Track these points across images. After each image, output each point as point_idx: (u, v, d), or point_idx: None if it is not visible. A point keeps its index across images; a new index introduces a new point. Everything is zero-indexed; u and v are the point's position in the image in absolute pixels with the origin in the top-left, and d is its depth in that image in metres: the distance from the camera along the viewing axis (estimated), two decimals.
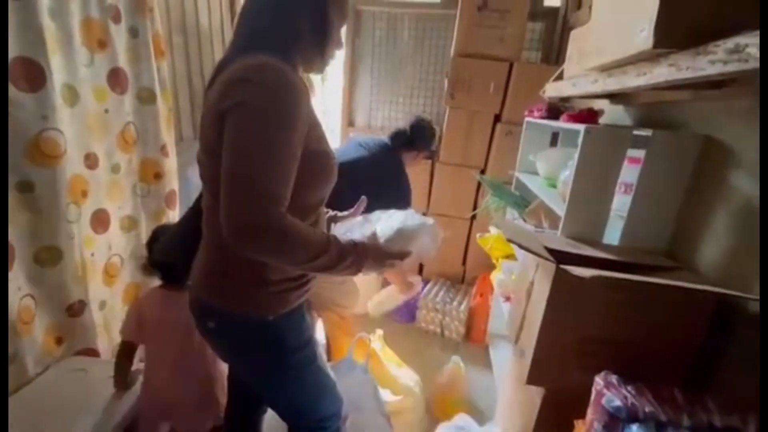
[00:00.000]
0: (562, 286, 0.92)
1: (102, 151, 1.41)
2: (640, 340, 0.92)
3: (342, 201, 0.98)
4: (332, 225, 0.99)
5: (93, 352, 1.39)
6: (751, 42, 0.58)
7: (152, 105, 1.55)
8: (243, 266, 0.78)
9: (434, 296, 2.35)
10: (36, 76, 1.12)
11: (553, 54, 2.43)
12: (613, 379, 0.79)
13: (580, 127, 1.10)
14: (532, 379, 1.02)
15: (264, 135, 0.65)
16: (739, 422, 0.70)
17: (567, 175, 1.25)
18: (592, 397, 0.80)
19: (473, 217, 2.46)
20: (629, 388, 0.76)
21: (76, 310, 1.32)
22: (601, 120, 1.44)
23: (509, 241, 0.97)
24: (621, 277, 0.84)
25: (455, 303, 2.30)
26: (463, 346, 2.23)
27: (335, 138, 2.83)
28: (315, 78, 2.42)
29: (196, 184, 0.87)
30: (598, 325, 0.93)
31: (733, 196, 0.93)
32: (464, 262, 2.60)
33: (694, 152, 1.04)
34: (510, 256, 1.86)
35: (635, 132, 1.10)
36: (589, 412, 0.81)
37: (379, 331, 1.73)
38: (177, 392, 1.15)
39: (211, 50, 1.93)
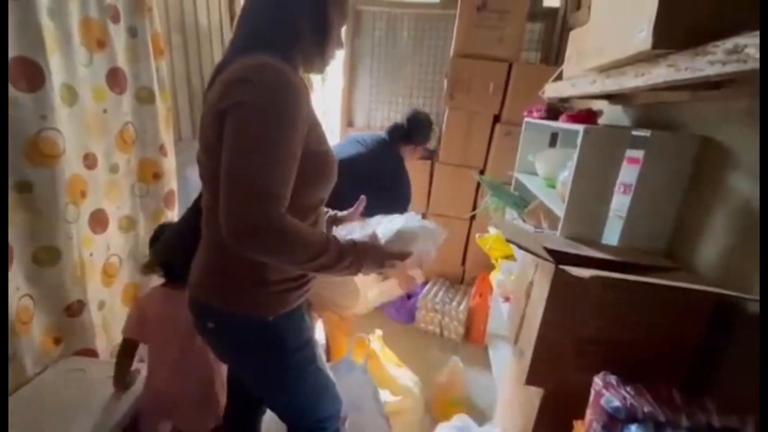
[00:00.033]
0: (561, 286, 0.92)
1: (101, 151, 1.41)
2: (638, 341, 0.92)
3: (341, 199, 0.98)
4: (333, 227, 0.99)
5: (91, 353, 1.38)
6: (750, 42, 0.58)
7: (151, 105, 1.55)
8: (242, 266, 0.78)
9: (433, 296, 2.35)
10: (35, 76, 1.12)
11: (553, 54, 2.43)
12: (612, 379, 0.79)
13: (579, 128, 1.10)
14: (532, 379, 1.02)
15: (264, 135, 0.65)
16: (738, 422, 0.70)
17: (566, 175, 1.25)
18: (591, 397, 0.80)
19: (472, 217, 2.46)
20: (628, 388, 0.76)
21: (74, 310, 1.32)
22: (600, 120, 1.44)
23: (508, 241, 0.97)
24: (620, 278, 0.84)
25: (454, 303, 2.30)
26: (462, 347, 2.23)
27: (335, 138, 2.83)
28: (315, 78, 2.41)
29: (195, 184, 0.87)
30: (597, 325, 0.93)
31: (732, 197, 0.93)
32: (463, 263, 2.60)
33: (693, 153, 1.04)
34: (509, 257, 1.86)
35: (634, 132, 1.11)
36: (588, 413, 0.81)
37: (379, 332, 1.73)
38: (178, 391, 1.15)
39: (210, 50, 1.93)
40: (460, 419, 1.38)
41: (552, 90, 1.59)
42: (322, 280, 0.91)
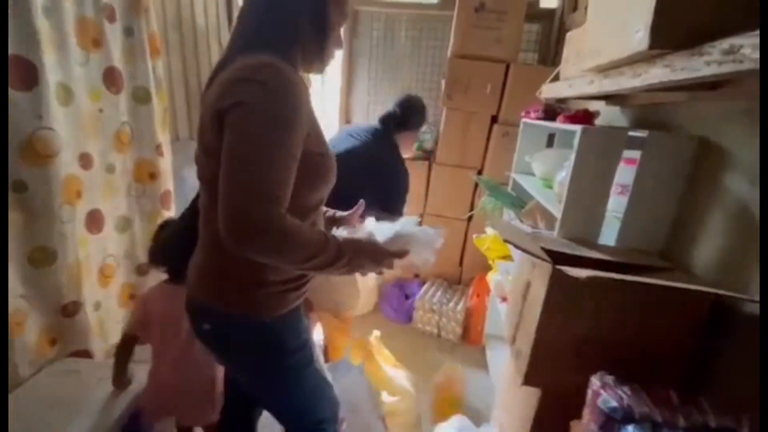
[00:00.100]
0: (558, 286, 0.92)
1: (97, 151, 1.40)
2: (635, 341, 0.92)
3: (338, 195, 0.96)
4: (333, 228, 0.98)
5: (87, 354, 1.38)
6: (746, 43, 0.58)
7: (147, 104, 1.55)
8: (240, 267, 0.77)
9: (431, 297, 2.35)
10: (30, 75, 1.12)
11: (550, 55, 2.44)
12: (609, 379, 0.79)
13: (577, 128, 1.10)
14: (529, 379, 1.02)
15: (264, 135, 0.65)
16: (734, 423, 0.70)
17: (563, 175, 1.25)
18: (588, 397, 0.80)
19: (470, 218, 2.46)
20: (625, 388, 0.76)
21: (70, 311, 1.31)
22: (597, 121, 1.44)
23: (506, 241, 0.96)
24: (617, 278, 0.84)
25: (452, 304, 2.30)
26: (459, 347, 2.23)
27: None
28: (315, 78, 2.41)
29: (192, 185, 0.87)
30: (594, 325, 0.93)
31: (728, 198, 0.94)
32: (461, 263, 2.60)
33: (690, 153, 1.05)
34: (506, 257, 1.86)
35: (631, 133, 1.11)
36: (585, 413, 0.81)
37: (376, 332, 1.72)
38: (182, 386, 1.15)
39: (207, 49, 1.92)
40: (458, 420, 1.38)
41: (549, 91, 1.60)
42: (322, 280, 0.90)
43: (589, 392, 0.80)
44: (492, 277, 1.92)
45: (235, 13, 1.97)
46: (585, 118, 1.35)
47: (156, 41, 1.54)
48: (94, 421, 1.10)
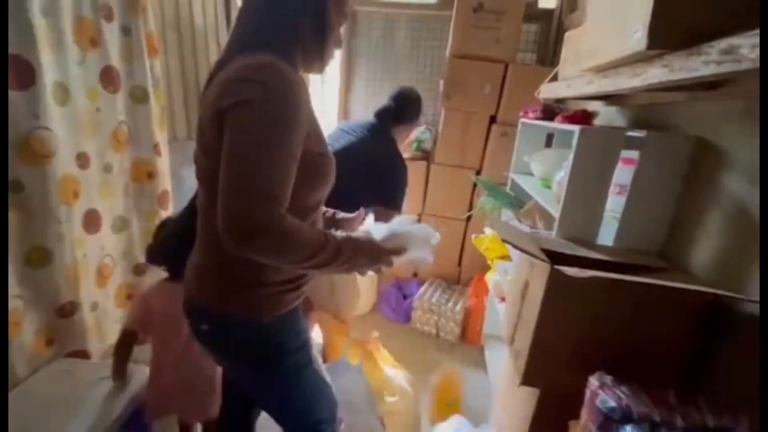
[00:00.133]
0: (556, 286, 0.92)
1: (94, 151, 1.39)
2: (634, 341, 0.92)
3: (337, 194, 0.94)
4: (332, 230, 0.98)
5: (84, 354, 1.37)
6: (744, 43, 0.58)
7: (145, 104, 1.54)
8: (238, 267, 0.77)
9: (430, 297, 2.35)
10: (26, 74, 1.11)
11: (548, 55, 2.44)
12: (608, 379, 0.79)
13: (575, 128, 1.10)
14: (527, 379, 1.01)
15: (265, 135, 0.64)
16: (732, 423, 0.70)
17: (562, 176, 1.25)
18: (587, 397, 0.80)
19: (469, 218, 2.47)
20: (623, 388, 0.76)
21: (67, 311, 1.31)
22: (596, 121, 1.45)
23: (504, 241, 0.96)
24: (615, 278, 0.84)
25: (450, 304, 2.30)
26: (458, 347, 2.23)
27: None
28: (314, 79, 2.41)
29: (190, 185, 0.87)
30: (592, 325, 0.93)
31: (726, 198, 0.94)
32: (460, 263, 2.60)
33: (687, 153, 1.05)
34: (505, 257, 1.86)
35: (629, 133, 1.11)
36: (584, 413, 0.81)
37: (375, 332, 1.72)
38: (184, 382, 1.16)
39: (205, 49, 1.92)
40: (456, 420, 1.38)
41: (548, 91, 1.60)
42: (323, 281, 0.90)
43: (588, 392, 0.80)
44: (491, 277, 1.92)
45: (234, 13, 1.97)
46: (583, 118, 1.35)
47: (154, 41, 1.54)
48: (92, 422, 1.10)
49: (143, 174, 1.60)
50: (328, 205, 0.98)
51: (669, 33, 0.75)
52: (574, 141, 1.09)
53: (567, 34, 1.50)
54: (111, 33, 1.39)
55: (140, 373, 1.24)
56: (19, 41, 1.08)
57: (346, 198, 1.02)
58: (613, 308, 0.91)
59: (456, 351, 2.18)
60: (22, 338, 1.19)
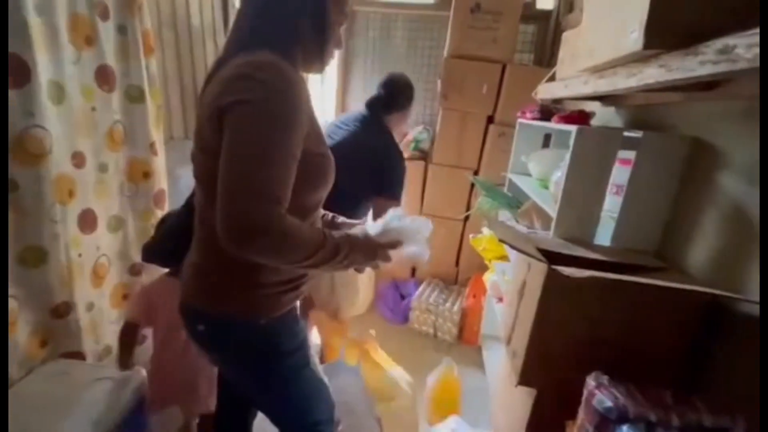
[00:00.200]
0: (553, 286, 0.92)
1: (89, 150, 1.38)
2: (630, 341, 0.93)
3: (335, 188, 0.92)
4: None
5: (79, 355, 1.36)
6: (740, 43, 0.58)
7: (141, 103, 1.53)
8: (235, 268, 0.76)
9: (427, 297, 2.35)
10: (21, 72, 1.10)
11: (546, 56, 2.45)
12: (604, 379, 0.79)
13: (572, 129, 1.10)
14: (524, 379, 1.02)
15: (265, 134, 0.64)
16: (729, 422, 0.70)
17: (559, 176, 1.26)
18: (583, 397, 0.80)
19: (466, 218, 2.47)
20: (620, 388, 0.76)
21: (61, 311, 1.29)
22: (593, 122, 1.45)
23: (501, 241, 0.96)
24: (612, 278, 0.84)
25: (448, 304, 2.30)
26: (455, 347, 2.23)
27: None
28: (314, 78, 2.40)
29: (186, 184, 0.86)
30: (590, 325, 0.93)
31: (723, 198, 0.94)
32: (457, 263, 2.60)
33: (684, 153, 1.05)
34: (503, 257, 1.86)
35: (626, 133, 1.11)
36: (580, 413, 0.81)
37: (372, 332, 1.72)
38: (186, 375, 1.16)
39: (202, 48, 1.91)
40: (453, 420, 1.38)
41: (545, 91, 1.60)
42: (323, 281, 0.89)
43: (585, 392, 0.80)
44: (488, 278, 1.92)
45: (231, 12, 1.96)
46: (580, 118, 1.36)
47: (150, 39, 1.53)
48: (87, 424, 1.09)
49: (139, 173, 1.59)
50: (327, 200, 0.98)
51: (665, 33, 0.75)
52: (571, 141, 1.09)
53: (564, 35, 1.50)
54: (106, 31, 1.38)
55: (137, 376, 1.24)
56: (14, 39, 1.07)
57: (345, 193, 1.01)
58: (610, 308, 0.91)
59: (453, 351, 2.17)
60: (16, 339, 1.18)
